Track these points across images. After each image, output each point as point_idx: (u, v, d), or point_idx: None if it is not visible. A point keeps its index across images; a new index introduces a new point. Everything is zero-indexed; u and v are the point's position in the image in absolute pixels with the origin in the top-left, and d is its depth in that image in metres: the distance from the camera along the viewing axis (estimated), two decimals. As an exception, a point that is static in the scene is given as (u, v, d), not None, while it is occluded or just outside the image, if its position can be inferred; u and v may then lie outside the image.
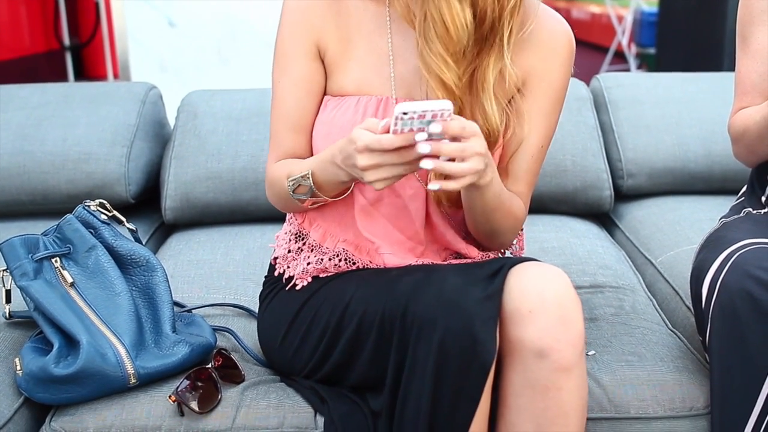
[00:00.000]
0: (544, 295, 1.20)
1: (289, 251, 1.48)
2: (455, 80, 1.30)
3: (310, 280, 1.44)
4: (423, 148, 1.13)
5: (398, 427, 1.24)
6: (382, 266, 1.40)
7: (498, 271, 1.24)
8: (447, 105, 1.11)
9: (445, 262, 1.42)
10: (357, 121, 1.35)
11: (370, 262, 1.41)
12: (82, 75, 5.01)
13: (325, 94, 1.44)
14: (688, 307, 1.67)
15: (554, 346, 1.20)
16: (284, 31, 1.43)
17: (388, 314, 1.25)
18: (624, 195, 2.26)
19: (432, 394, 1.18)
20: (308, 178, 1.32)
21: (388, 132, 1.15)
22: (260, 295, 1.56)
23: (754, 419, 1.29)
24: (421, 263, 1.39)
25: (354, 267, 1.42)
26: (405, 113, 1.11)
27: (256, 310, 1.58)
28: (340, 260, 1.42)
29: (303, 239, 1.48)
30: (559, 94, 1.41)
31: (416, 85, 1.38)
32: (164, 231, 2.22)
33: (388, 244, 1.41)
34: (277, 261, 1.51)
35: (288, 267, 1.48)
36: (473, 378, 1.18)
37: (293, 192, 1.36)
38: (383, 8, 1.42)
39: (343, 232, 1.43)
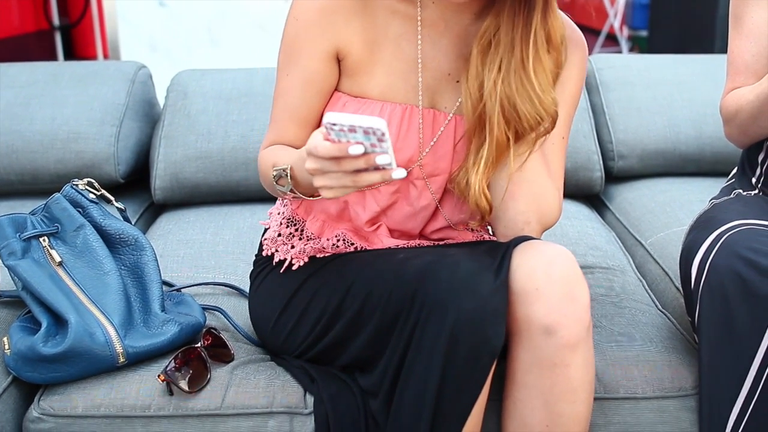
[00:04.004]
0: (550, 273, 1.21)
1: (280, 235, 1.47)
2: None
3: (306, 260, 1.43)
4: (355, 149, 1.04)
5: (398, 407, 1.23)
6: (380, 246, 1.40)
7: (505, 254, 1.24)
8: (380, 124, 1.01)
9: (443, 242, 1.43)
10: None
11: (368, 245, 1.41)
12: (71, 55, 4.97)
13: (337, 88, 1.37)
14: (678, 288, 1.67)
15: (561, 321, 1.20)
16: (299, 27, 1.33)
17: (396, 296, 1.24)
18: (615, 176, 2.26)
19: (440, 377, 1.18)
20: (287, 172, 1.25)
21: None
22: (251, 274, 1.55)
23: (742, 399, 1.30)
24: (423, 244, 1.40)
25: (352, 248, 1.41)
26: (334, 124, 1.03)
27: (246, 289, 1.58)
28: (338, 240, 1.41)
29: (296, 225, 1.46)
30: (578, 94, 1.43)
31: (442, 93, 1.36)
32: (154, 211, 2.21)
33: (386, 234, 1.42)
34: (266, 242, 1.50)
35: (277, 251, 1.47)
36: (481, 364, 1.19)
37: (276, 183, 1.29)
38: (414, 10, 1.34)
39: (342, 224, 1.43)
